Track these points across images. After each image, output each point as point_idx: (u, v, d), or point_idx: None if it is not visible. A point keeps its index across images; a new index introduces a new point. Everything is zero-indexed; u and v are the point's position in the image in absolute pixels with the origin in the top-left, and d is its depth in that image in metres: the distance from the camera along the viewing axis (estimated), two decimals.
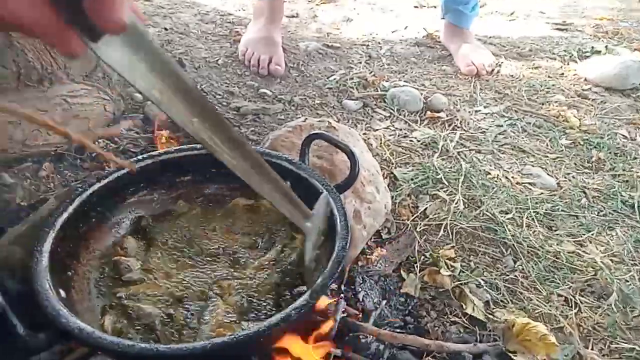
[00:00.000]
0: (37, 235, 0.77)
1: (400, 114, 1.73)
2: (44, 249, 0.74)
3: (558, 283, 1.13)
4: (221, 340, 0.64)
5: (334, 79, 1.89)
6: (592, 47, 2.25)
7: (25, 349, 0.63)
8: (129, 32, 0.37)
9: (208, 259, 0.89)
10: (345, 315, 0.99)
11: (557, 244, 1.22)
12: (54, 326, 0.64)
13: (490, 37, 2.39)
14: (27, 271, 0.79)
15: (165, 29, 2.03)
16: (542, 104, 1.83)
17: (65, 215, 0.81)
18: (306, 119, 1.27)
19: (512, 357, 0.95)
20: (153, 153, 0.96)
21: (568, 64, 2.15)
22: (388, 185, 1.29)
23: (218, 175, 1.00)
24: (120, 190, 0.93)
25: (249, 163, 0.58)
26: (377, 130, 1.64)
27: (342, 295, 1.01)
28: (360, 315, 1.04)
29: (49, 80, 1.38)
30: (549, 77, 2.03)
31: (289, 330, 0.75)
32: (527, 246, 1.20)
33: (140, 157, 0.95)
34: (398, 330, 1.03)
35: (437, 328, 1.04)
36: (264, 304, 0.82)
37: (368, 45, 2.22)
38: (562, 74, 2.08)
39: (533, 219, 1.29)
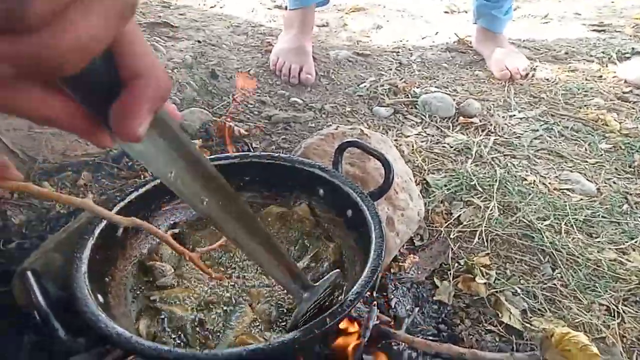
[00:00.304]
0: (76, 243, 0.79)
1: (432, 120, 1.71)
2: (83, 255, 0.76)
3: (599, 292, 1.09)
4: (258, 346, 0.64)
5: (364, 86, 1.89)
6: (633, 48, 2.18)
7: (66, 352, 0.65)
8: (156, 126, 0.35)
9: (240, 265, 0.90)
10: (377, 322, 0.98)
11: (598, 252, 1.18)
12: (92, 331, 0.66)
13: (524, 40, 2.34)
14: (66, 277, 0.82)
15: (199, 41, 2.08)
16: (580, 108, 1.78)
17: (103, 223, 0.83)
18: (338, 126, 1.27)
19: None
20: None
21: (607, 66, 2.08)
22: (420, 192, 1.27)
23: (251, 184, 1.02)
24: (157, 198, 0.95)
25: (256, 240, 0.57)
26: (409, 136, 1.62)
27: (374, 302, 1.01)
28: (393, 323, 1.03)
29: None
30: (586, 79, 1.98)
31: (324, 337, 0.75)
32: (567, 254, 1.16)
33: None
34: (431, 338, 1.01)
35: (471, 336, 1.02)
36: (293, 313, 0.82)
37: (398, 52, 2.22)
38: (601, 76, 2.02)
39: (572, 225, 1.25)
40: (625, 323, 1.03)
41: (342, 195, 0.94)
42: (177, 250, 0.68)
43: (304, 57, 1.90)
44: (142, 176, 1.37)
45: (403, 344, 0.98)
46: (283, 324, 0.80)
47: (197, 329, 0.77)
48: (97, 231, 0.81)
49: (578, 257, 1.16)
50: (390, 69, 2.04)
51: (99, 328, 0.64)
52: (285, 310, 0.82)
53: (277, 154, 1.01)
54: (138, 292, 0.84)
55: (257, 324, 0.79)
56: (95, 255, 0.79)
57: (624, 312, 1.05)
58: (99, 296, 0.74)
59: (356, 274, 0.86)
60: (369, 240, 0.83)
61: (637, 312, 1.06)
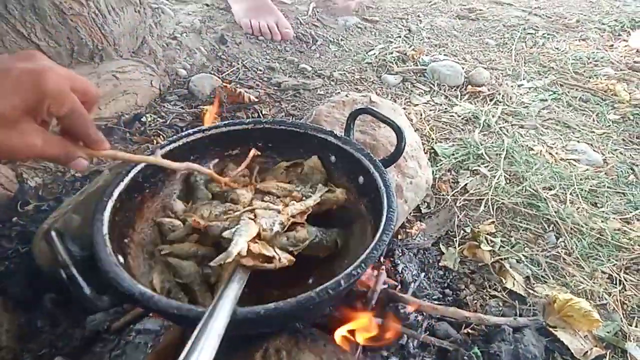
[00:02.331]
0: (95, 204, 0.81)
1: (440, 89, 1.71)
2: (103, 217, 0.78)
3: (602, 260, 1.11)
4: (272, 305, 0.67)
5: (373, 53, 1.88)
6: None
7: (89, 308, 0.68)
8: None
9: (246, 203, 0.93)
10: (385, 286, 1.01)
11: (602, 221, 1.20)
12: (115, 289, 0.68)
13: (534, 7, 2.30)
14: (85, 237, 0.85)
15: (207, 4, 2.05)
16: (590, 78, 1.77)
17: (122, 185, 0.85)
18: (348, 94, 1.28)
19: (553, 332, 0.95)
20: (202, 127, 0.99)
21: (619, 35, 2.06)
22: (428, 161, 1.28)
23: (264, 150, 1.03)
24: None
25: None
26: (417, 105, 1.63)
27: (382, 267, 1.03)
28: (399, 287, 1.06)
29: (100, 56, 1.43)
30: (597, 49, 1.96)
31: (337, 298, 0.78)
32: (571, 223, 1.18)
33: (190, 131, 0.98)
34: (437, 303, 1.04)
35: (476, 301, 1.05)
36: (297, 234, 0.85)
37: (407, 18, 2.19)
38: (612, 45, 2.00)
39: (577, 195, 1.27)
40: (626, 290, 1.06)
41: (355, 162, 0.95)
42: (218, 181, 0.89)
43: (273, 11, 1.91)
44: (154, 141, 1.38)
45: (410, 306, 1.01)
46: (285, 240, 0.83)
47: (204, 285, 0.80)
48: (116, 193, 0.83)
49: (582, 227, 1.18)
50: (399, 36, 2.02)
51: (123, 287, 0.67)
52: (285, 228, 0.85)
53: (289, 120, 1.02)
54: (151, 249, 0.87)
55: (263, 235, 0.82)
56: (114, 217, 0.81)
57: (625, 280, 1.08)
58: (119, 257, 0.77)
59: (367, 239, 0.89)
60: (380, 206, 0.85)
61: (638, 280, 1.08)
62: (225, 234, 0.79)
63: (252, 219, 0.84)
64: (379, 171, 0.90)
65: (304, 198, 0.93)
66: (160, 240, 0.88)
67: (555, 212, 1.21)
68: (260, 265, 0.78)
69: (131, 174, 0.88)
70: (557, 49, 1.97)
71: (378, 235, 0.78)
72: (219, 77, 1.62)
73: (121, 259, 0.77)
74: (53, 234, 0.70)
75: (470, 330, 0.97)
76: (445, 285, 1.09)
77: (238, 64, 1.74)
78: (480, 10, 2.26)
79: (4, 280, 0.97)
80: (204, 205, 0.92)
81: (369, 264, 0.73)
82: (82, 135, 0.64)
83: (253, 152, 1.00)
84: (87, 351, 0.89)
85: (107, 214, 0.79)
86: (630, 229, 1.19)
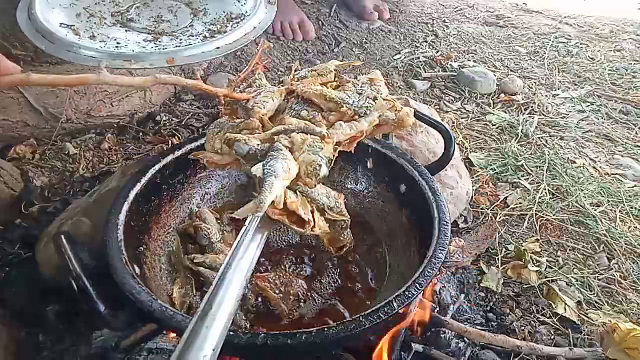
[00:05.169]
0: (111, 206, 0.72)
1: (471, 96, 1.61)
2: (119, 220, 0.69)
3: None
4: (314, 332, 0.57)
5: (399, 58, 1.79)
6: None
7: (107, 327, 0.59)
8: None
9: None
10: (421, 309, 0.91)
11: None
12: (132, 305, 0.59)
13: (565, 17, 2.22)
14: (94, 243, 0.75)
15: None
16: (629, 90, 1.68)
17: (138, 186, 0.76)
18: None
19: None
20: None
21: None
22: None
23: None
24: (192, 164, 0.88)
25: None
26: (448, 112, 1.53)
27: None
28: (437, 309, 0.96)
29: None
30: (634, 60, 1.86)
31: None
32: (625, 243, 1.08)
33: None
34: (479, 328, 0.94)
35: (523, 328, 0.94)
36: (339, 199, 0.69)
37: (433, 24, 2.10)
38: None
39: (628, 213, 1.17)
40: None
41: (396, 168, 0.86)
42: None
43: (296, 11, 1.84)
44: (169, 141, 1.29)
45: (450, 332, 0.91)
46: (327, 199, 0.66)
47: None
48: (132, 195, 0.74)
49: (637, 248, 1.07)
50: (426, 41, 1.94)
51: (141, 302, 0.58)
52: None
53: None
54: (174, 259, 0.77)
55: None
56: (130, 222, 0.72)
57: None
58: (135, 267, 0.68)
59: (412, 256, 0.79)
60: (429, 219, 0.75)
61: None
62: (255, 169, 0.57)
63: (289, 148, 0.60)
64: (425, 179, 0.81)
65: (356, 117, 0.67)
66: (185, 250, 0.78)
67: (606, 231, 1.11)
68: (289, 223, 0.59)
69: (149, 175, 0.80)
70: (592, 59, 1.87)
71: (431, 251, 0.68)
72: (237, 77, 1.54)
73: (137, 270, 0.68)
74: (63, 238, 0.60)
75: None
76: (488, 308, 0.98)
77: (258, 64, 1.65)
78: (508, 17, 2.17)
79: (4, 289, 0.88)
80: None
81: (424, 285, 0.63)
82: None
83: (264, 43, 0.78)
84: None
85: (122, 218, 0.70)
86: None
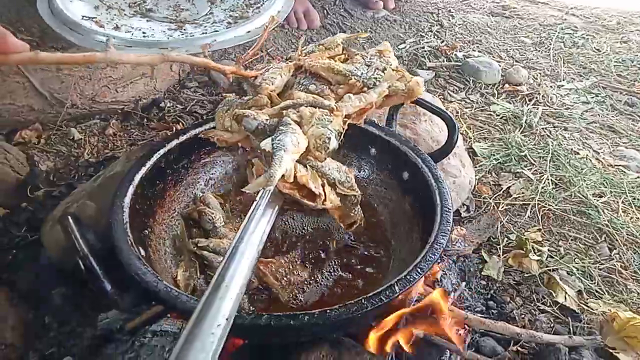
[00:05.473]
0: (116, 189, 0.72)
1: (475, 86, 1.61)
2: (124, 203, 0.69)
3: None
4: (317, 312, 0.58)
5: (404, 47, 1.79)
6: None
7: (108, 306, 0.60)
8: None
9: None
10: (421, 295, 0.92)
11: None
12: (137, 286, 0.60)
13: (571, 8, 2.20)
14: (99, 226, 0.76)
15: None
16: (634, 81, 1.67)
17: (143, 170, 0.76)
18: None
19: (613, 353, 0.85)
20: None
21: None
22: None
23: None
24: (196, 149, 0.88)
25: None
26: (452, 102, 1.53)
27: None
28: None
29: None
30: None
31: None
32: (626, 234, 1.08)
33: None
34: (480, 315, 0.95)
35: (523, 316, 0.95)
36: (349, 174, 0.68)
37: (438, 13, 2.09)
38: None
39: (630, 204, 1.17)
40: None
41: (399, 155, 0.86)
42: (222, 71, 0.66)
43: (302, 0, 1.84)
44: (173, 127, 1.29)
45: (450, 318, 0.92)
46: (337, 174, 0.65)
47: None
48: (137, 178, 0.75)
49: (639, 238, 1.08)
50: (431, 31, 1.93)
51: (146, 283, 0.58)
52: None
53: None
54: (178, 243, 0.78)
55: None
56: (135, 205, 0.72)
57: None
58: (140, 249, 0.68)
59: (414, 242, 0.80)
60: (431, 205, 0.76)
61: None
62: (264, 143, 0.58)
63: (297, 122, 0.61)
64: (428, 166, 0.81)
65: (365, 89, 0.68)
66: (189, 234, 0.79)
67: (608, 221, 1.11)
68: (299, 196, 0.60)
69: (153, 159, 0.80)
70: (598, 50, 1.87)
71: (433, 237, 0.69)
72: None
73: (142, 252, 0.69)
74: (70, 219, 0.61)
75: (519, 348, 0.88)
76: (489, 296, 0.99)
77: (262, 51, 1.65)
78: (514, 8, 2.16)
79: (11, 271, 0.89)
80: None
81: (425, 269, 0.64)
82: None
83: (271, 17, 0.77)
84: (98, 353, 0.80)
85: (127, 200, 0.71)
86: None
